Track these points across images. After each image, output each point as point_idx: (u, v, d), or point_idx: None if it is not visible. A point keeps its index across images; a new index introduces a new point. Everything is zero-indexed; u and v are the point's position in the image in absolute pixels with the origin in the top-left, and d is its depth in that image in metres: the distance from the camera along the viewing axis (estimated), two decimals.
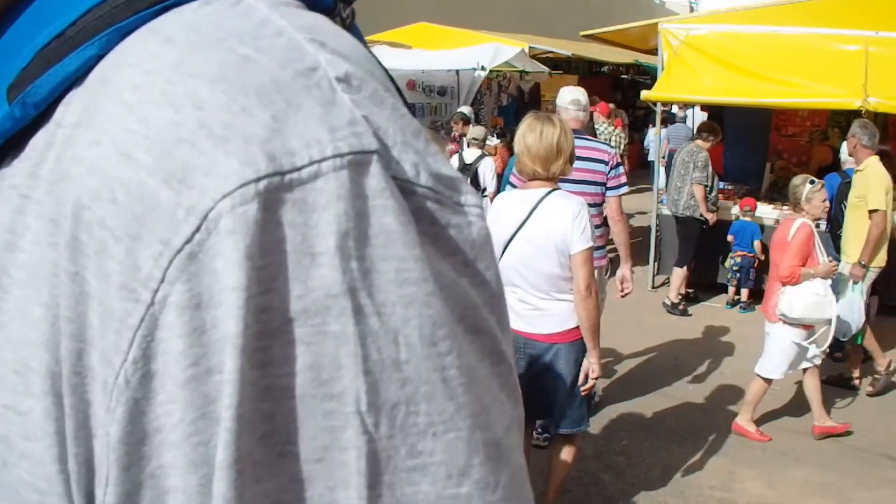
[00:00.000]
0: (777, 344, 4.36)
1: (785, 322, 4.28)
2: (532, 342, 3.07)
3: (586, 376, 3.10)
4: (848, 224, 5.38)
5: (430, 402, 0.32)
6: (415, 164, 0.34)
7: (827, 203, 4.54)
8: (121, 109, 0.33)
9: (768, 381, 4.44)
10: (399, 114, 0.35)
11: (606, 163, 4.07)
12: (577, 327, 3.04)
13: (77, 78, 0.36)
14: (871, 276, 5.29)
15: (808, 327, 4.32)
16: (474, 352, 0.35)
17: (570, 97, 4.33)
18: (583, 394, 3.17)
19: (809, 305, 4.20)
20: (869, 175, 5.33)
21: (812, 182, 4.44)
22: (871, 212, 5.20)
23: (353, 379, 0.31)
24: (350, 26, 0.45)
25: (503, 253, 3.00)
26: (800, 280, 4.21)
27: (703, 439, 4.50)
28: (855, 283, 5.08)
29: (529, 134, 3.01)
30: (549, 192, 2.99)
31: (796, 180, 4.56)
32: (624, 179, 4.18)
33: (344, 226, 0.31)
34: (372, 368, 0.31)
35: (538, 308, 3.02)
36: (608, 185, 4.09)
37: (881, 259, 5.31)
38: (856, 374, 5.32)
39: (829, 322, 4.27)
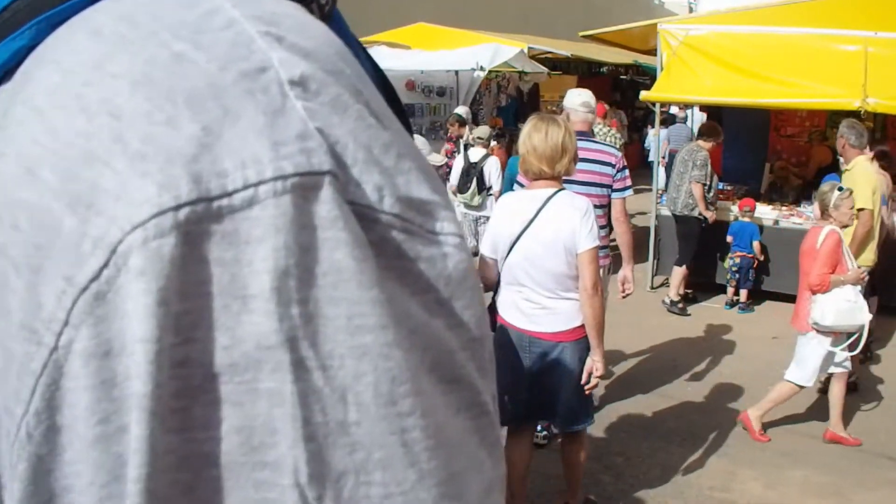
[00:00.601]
0: (811, 353, 4.33)
1: (819, 331, 4.26)
2: (537, 341, 3.08)
3: (589, 374, 3.11)
4: None
5: (387, 471, 0.28)
6: (378, 186, 0.29)
7: (855, 210, 4.51)
8: (31, 116, 0.28)
9: (800, 387, 4.42)
10: (365, 124, 0.30)
11: (613, 165, 4.12)
12: (583, 325, 3.06)
13: (7, 72, 0.31)
14: None
15: (838, 334, 4.30)
16: (448, 405, 0.30)
17: (580, 99, 4.36)
18: (585, 392, 3.18)
19: (842, 312, 4.18)
20: (856, 174, 5.36)
21: (840, 189, 4.42)
22: (857, 210, 5.21)
23: (290, 446, 0.27)
24: (329, 15, 0.40)
25: (510, 251, 3.03)
26: (830, 288, 4.19)
27: (703, 439, 4.50)
28: None
29: (535, 134, 3.05)
30: (557, 192, 3.02)
31: (824, 187, 4.55)
32: (629, 182, 4.23)
33: (283, 263, 0.26)
34: (314, 433, 0.27)
35: (544, 307, 3.04)
36: (614, 188, 4.13)
37: (867, 258, 5.33)
38: (855, 374, 5.32)
39: (861, 328, 4.25)
